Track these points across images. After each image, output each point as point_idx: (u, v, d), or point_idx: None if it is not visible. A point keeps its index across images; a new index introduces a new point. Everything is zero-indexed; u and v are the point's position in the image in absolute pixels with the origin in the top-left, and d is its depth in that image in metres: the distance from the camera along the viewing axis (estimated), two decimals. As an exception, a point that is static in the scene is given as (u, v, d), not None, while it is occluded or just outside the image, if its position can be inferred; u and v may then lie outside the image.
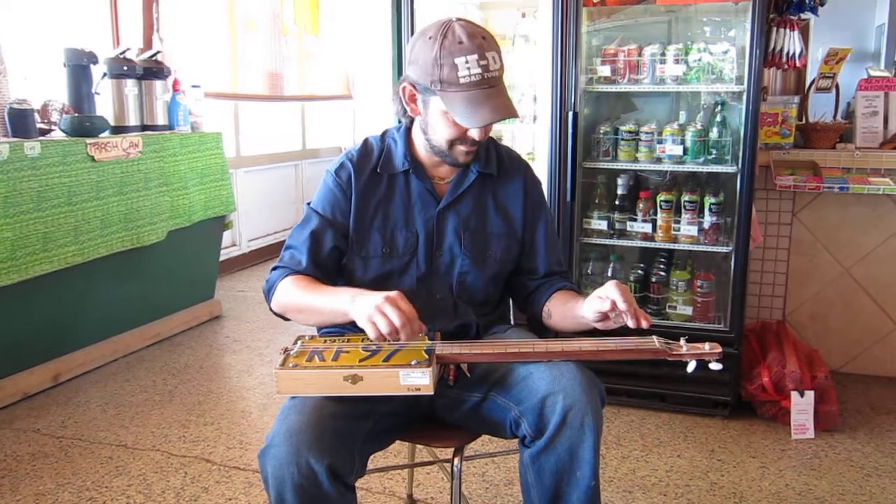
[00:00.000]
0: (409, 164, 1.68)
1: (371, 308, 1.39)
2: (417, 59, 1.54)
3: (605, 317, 1.46)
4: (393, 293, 1.42)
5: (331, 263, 1.68)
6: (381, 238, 1.67)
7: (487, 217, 1.72)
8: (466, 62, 1.48)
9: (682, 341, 1.47)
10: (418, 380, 1.39)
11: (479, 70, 1.48)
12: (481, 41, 1.49)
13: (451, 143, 1.60)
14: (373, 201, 1.68)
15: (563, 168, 2.86)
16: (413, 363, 1.40)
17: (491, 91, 1.51)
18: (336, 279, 1.72)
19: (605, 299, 1.43)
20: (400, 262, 1.68)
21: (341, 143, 6.58)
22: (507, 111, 1.52)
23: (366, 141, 1.75)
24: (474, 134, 1.56)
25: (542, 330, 1.75)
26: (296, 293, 1.59)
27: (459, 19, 1.53)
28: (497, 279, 1.75)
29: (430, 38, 1.52)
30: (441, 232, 1.69)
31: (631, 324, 1.42)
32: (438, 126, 1.59)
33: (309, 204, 1.72)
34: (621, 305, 1.41)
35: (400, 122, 1.73)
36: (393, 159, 1.70)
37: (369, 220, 1.68)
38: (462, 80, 1.49)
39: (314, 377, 1.42)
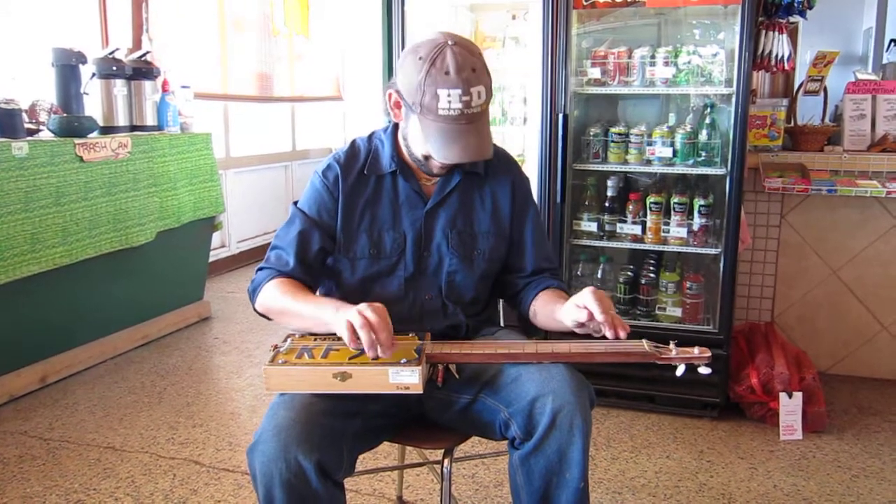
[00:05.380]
0: (396, 166, 1.67)
1: (352, 311, 1.39)
2: (405, 74, 1.52)
3: (583, 325, 1.45)
4: (376, 303, 1.41)
5: (317, 264, 1.68)
6: (368, 239, 1.67)
7: (475, 215, 1.71)
8: (448, 95, 1.45)
9: (672, 345, 1.48)
10: (407, 378, 1.39)
11: (459, 105, 1.46)
12: (469, 74, 1.45)
13: (427, 157, 1.59)
14: (360, 203, 1.68)
15: (553, 170, 2.87)
16: (402, 361, 1.40)
17: (468, 128, 1.49)
18: (322, 279, 1.72)
19: (581, 308, 1.42)
20: (387, 262, 1.68)
21: (331, 145, 6.57)
22: (479, 152, 1.51)
23: (353, 142, 1.74)
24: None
25: (532, 329, 1.75)
26: (281, 297, 1.58)
27: (455, 43, 1.48)
28: (486, 278, 1.75)
29: (420, 58, 1.48)
30: (429, 232, 1.69)
31: (609, 334, 1.41)
32: (416, 141, 1.58)
33: (296, 204, 1.71)
34: (598, 317, 1.40)
35: (389, 122, 1.73)
36: (380, 160, 1.69)
37: (357, 221, 1.67)
38: (441, 112, 1.47)
39: (303, 374, 1.43)
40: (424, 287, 1.69)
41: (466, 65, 1.46)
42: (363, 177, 1.69)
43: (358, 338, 1.37)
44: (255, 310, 1.66)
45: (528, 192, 1.79)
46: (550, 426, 1.42)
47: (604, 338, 1.44)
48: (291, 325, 1.61)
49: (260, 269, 1.67)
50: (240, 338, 3.91)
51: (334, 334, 1.57)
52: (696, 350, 1.46)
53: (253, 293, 1.65)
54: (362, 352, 1.45)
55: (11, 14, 3.73)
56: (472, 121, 1.49)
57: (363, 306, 1.39)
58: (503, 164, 1.76)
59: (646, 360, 1.47)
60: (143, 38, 4.35)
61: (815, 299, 3.28)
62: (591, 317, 1.41)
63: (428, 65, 1.46)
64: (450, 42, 1.48)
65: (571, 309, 1.45)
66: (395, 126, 1.69)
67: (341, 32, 6.31)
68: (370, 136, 1.75)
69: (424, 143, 1.54)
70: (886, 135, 3.07)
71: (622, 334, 1.41)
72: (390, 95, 1.59)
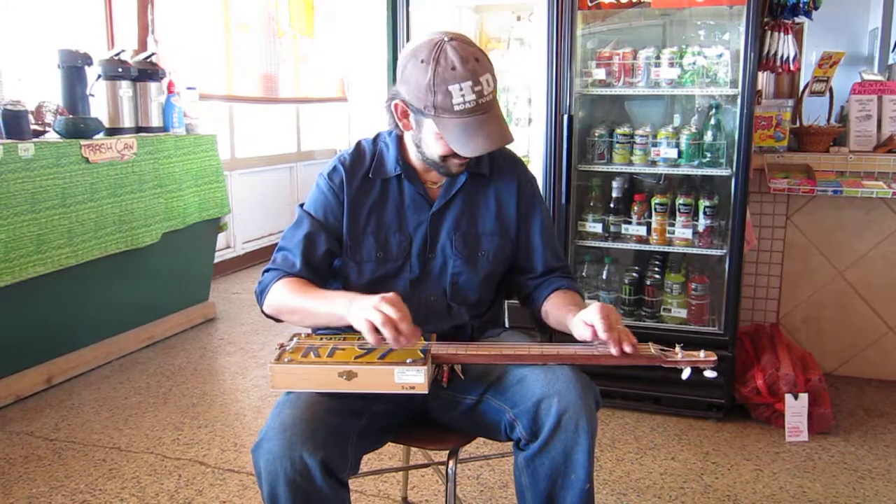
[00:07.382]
0: (401, 169, 1.68)
1: (368, 308, 1.39)
2: (409, 81, 1.51)
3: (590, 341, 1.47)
4: (389, 294, 1.41)
5: (324, 266, 1.68)
6: (375, 242, 1.67)
7: (479, 216, 1.72)
8: (461, 89, 1.45)
9: (678, 348, 1.47)
10: (413, 378, 1.39)
11: (473, 97, 1.46)
12: (475, 65, 1.46)
13: (445, 158, 1.59)
14: (366, 206, 1.68)
15: (559, 171, 2.87)
16: (408, 361, 1.40)
17: (485, 118, 1.49)
18: (328, 281, 1.72)
19: (588, 326, 1.44)
20: (394, 265, 1.68)
21: (336, 146, 6.58)
22: (501, 139, 1.51)
23: (359, 144, 1.75)
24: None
25: (544, 329, 1.75)
26: (290, 295, 1.58)
27: (452, 38, 1.48)
28: (490, 280, 1.74)
29: (422, 61, 1.47)
30: (434, 235, 1.69)
31: (613, 351, 1.43)
32: (432, 144, 1.57)
33: (302, 206, 1.71)
34: (602, 335, 1.42)
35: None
36: (385, 164, 1.70)
37: (363, 224, 1.68)
38: (457, 108, 1.47)
39: (309, 372, 1.43)
40: (429, 289, 1.70)
41: (469, 56, 1.46)
42: (368, 180, 1.69)
43: (381, 335, 1.37)
44: (263, 312, 1.65)
45: (535, 190, 1.79)
46: (556, 427, 1.42)
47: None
48: (304, 323, 1.62)
49: (266, 270, 1.67)
50: (245, 339, 3.92)
51: (342, 332, 1.56)
52: (701, 354, 1.46)
53: (261, 294, 1.64)
54: (369, 351, 1.45)
55: (17, 15, 3.74)
56: (488, 110, 1.49)
57: (378, 302, 1.39)
58: (508, 164, 1.76)
59: (652, 363, 1.46)
60: (149, 39, 4.36)
61: (821, 300, 3.27)
62: (595, 335, 1.43)
63: (433, 65, 1.46)
64: (446, 38, 1.48)
65: (579, 325, 1.47)
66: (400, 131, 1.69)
67: (346, 33, 6.32)
68: (375, 139, 1.75)
69: (445, 143, 1.53)
70: (892, 135, 3.06)
71: (628, 349, 1.42)
72: (396, 106, 1.58)
